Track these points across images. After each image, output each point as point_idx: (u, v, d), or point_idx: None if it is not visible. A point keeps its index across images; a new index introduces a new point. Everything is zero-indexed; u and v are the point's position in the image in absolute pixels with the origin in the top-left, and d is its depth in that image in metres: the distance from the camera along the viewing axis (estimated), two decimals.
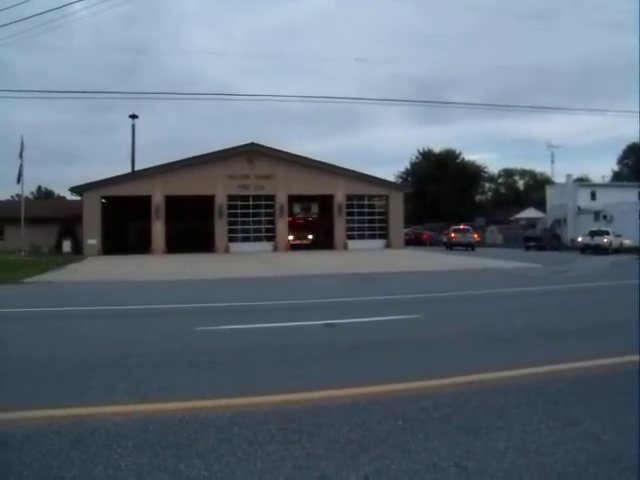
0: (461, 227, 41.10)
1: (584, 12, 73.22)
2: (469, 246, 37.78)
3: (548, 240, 41.74)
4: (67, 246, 34.92)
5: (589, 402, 4.37)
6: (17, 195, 45.70)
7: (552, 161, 61.39)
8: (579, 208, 46.72)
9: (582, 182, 55.40)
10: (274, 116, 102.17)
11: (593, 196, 48.11)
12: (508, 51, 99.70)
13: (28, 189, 68.87)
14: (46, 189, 76.63)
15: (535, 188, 74.27)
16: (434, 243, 45.55)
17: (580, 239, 37.15)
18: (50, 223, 36.55)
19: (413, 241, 46.29)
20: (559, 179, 57.21)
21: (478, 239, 40.84)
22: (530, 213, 62.67)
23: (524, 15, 69.80)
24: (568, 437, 3.59)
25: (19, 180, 34.29)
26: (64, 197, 55.92)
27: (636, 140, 67.47)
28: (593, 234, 36.01)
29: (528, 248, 39.37)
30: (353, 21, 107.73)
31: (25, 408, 4.24)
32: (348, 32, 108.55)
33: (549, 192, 53.21)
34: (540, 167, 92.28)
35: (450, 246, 38.12)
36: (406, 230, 44.52)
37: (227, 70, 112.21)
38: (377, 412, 4.12)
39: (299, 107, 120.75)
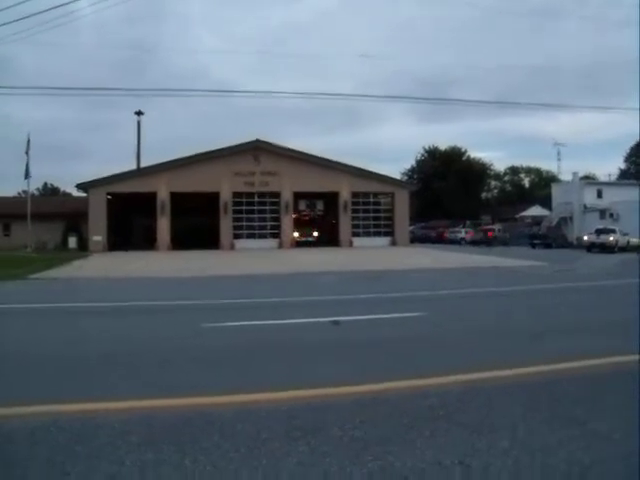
0: (486, 227, 48.78)
1: (591, 9, 72.84)
2: (485, 243, 43.75)
3: (553, 238, 41.61)
4: (73, 242, 35.07)
5: (596, 401, 4.35)
6: (24, 192, 45.86)
7: (558, 159, 61.26)
8: (585, 206, 46.43)
9: (588, 180, 55.13)
10: (278, 113, 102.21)
11: (599, 194, 47.82)
12: (514, 48, 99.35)
13: (34, 186, 68.91)
14: (52, 186, 76.70)
15: (541, 186, 73.91)
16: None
17: (586, 237, 36.88)
18: (56, 219, 36.71)
19: (434, 239, 47.33)
20: (565, 177, 57.17)
21: (490, 237, 45.76)
22: (536, 211, 62.38)
23: (530, 12, 69.52)
24: (574, 436, 3.57)
25: (27, 176, 34.43)
26: (70, 194, 56.08)
27: None
28: (599, 232, 35.78)
29: (534, 246, 39.25)
30: (356, 18, 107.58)
31: (30, 403, 4.25)
32: (351, 29, 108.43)
33: (555, 190, 52.91)
34: (546, 165, 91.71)
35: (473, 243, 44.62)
36: (411, 227, 44.59)
37: (231, 68, 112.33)
38: (382, 409, 4.12)
39: (303, 104, 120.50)
